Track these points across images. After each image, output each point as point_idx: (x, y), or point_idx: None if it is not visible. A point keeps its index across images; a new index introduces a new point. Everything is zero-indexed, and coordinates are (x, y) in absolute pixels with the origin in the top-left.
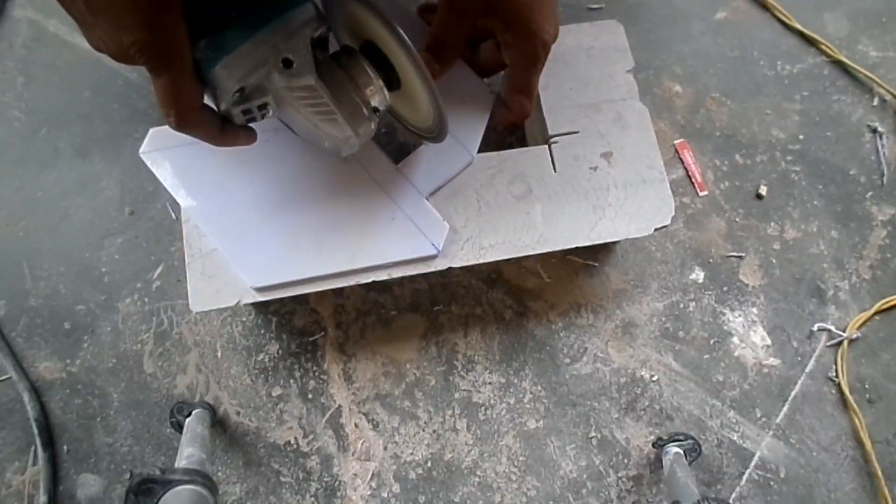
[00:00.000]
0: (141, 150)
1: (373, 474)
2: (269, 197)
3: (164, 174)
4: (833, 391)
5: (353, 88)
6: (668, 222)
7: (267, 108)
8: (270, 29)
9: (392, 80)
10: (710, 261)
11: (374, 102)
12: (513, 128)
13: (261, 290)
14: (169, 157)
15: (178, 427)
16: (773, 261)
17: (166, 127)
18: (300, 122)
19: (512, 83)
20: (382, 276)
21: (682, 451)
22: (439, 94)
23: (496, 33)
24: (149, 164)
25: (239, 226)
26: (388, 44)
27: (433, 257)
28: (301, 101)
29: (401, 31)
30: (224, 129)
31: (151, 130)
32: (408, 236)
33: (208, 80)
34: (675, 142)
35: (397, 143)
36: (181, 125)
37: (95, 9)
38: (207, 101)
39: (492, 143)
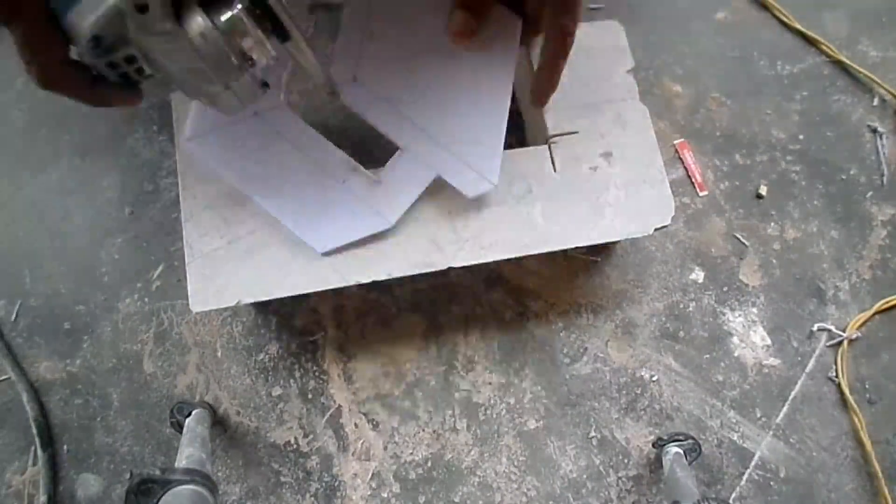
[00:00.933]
0: (185, 136)
1: (373, 474)
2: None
3: (214, 159)
4: (833, 391)
5: (224, 37)
6: (668, 222)
7: (136, 62)
8: None
9: (280, 31)
10: (710, 261)
11: (252, 53)
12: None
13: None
14: (214, 141)
15: (178, 427)
16: (773, 261)
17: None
18: (173, 75)
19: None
20: (382, 275)
21: (682, 451)
22: (322, 55)
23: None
24: (197, 152)
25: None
26: None
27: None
28: (163, 51)
29: None
30: (96, 87)
31: (190, 114)
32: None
33: (65, 30)
34: (675, 142)
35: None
36: (45, 82)
37: None
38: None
39: None
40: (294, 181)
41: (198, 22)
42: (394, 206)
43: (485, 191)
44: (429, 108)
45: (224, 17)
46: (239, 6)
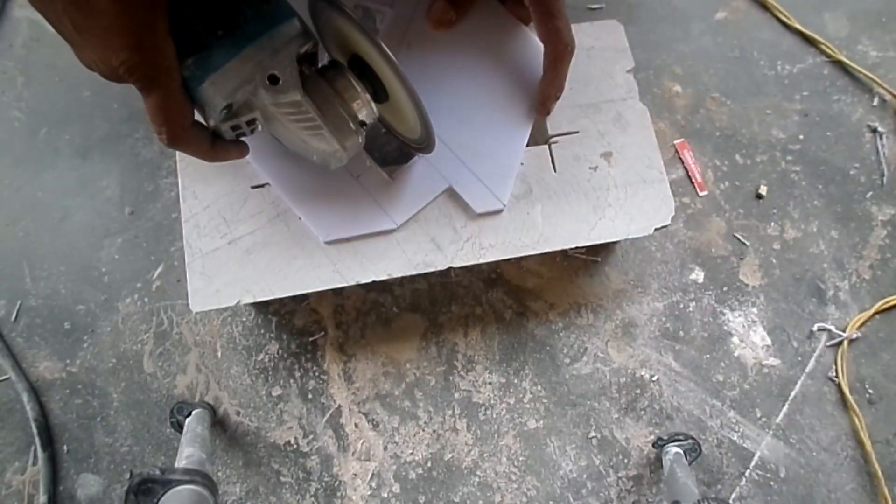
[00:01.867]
0: None
1: (373, 474)
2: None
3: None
4: (833, 391)
5: (340, 102)
6: (668, 222)
7: (255, 124)
8: (256, 46)
9: (379, 93)
10: (710, 261)
11: (362, 116)
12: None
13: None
14: None
15: (178, 427)
16: (773, 261)
17: None
18: (288, 136)
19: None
20: (382, 275)
21: (682, 451)
22: (424, 106)
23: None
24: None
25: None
26: (373, 57)
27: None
28: (288, 117)
29: (384, 45)
30: (215, 144)
31: None
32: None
33: (197, 98)
34: (675, 142)
35: (396, 145)
36: (173, 142)
37: (84, 30)
38: (198, 117)
39: None
40: (309, 169)
41: (321, 90)
42: (401, 209)
43: (494, 209)
44: (453, 121)
45: (338, 84)
46: (350, 74)
